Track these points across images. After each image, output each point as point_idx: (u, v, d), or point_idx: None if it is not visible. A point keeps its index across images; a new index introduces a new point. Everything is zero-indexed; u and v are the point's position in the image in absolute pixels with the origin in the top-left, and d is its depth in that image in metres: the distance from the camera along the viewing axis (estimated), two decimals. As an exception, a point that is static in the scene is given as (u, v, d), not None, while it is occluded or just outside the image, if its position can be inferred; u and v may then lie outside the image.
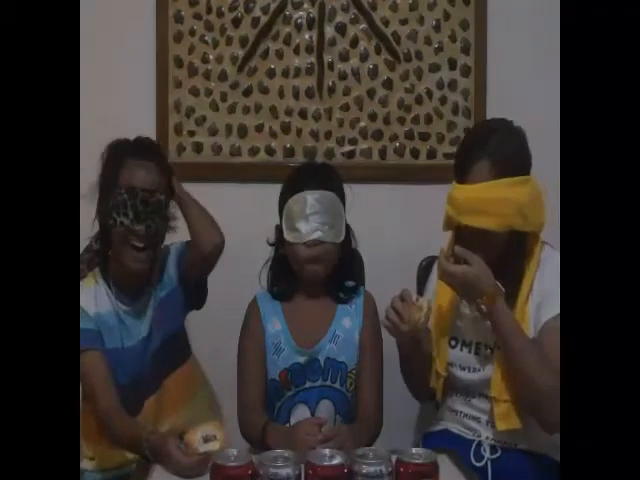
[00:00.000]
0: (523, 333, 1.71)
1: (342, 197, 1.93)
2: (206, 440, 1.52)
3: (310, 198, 1.86)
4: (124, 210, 1.77)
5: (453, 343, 1.85)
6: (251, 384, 1.91)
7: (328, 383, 1.92)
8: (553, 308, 1.69)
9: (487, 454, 1.77)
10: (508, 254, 1.76)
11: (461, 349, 1.84)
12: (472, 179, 1.71)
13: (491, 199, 1.70)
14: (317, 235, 1.86)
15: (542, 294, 1.74)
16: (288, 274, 1.96)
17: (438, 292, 1.87)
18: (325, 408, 1.91)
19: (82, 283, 1.83)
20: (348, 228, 1.95)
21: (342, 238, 1.90)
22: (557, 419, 1.64)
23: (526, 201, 1.71)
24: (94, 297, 1.85)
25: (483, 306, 1.72)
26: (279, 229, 1.92)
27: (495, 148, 1.72)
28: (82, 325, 1.75)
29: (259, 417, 1.84)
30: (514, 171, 1.71)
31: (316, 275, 1.91)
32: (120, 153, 1.84)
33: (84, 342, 1.74)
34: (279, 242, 1.95)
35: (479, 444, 1.79)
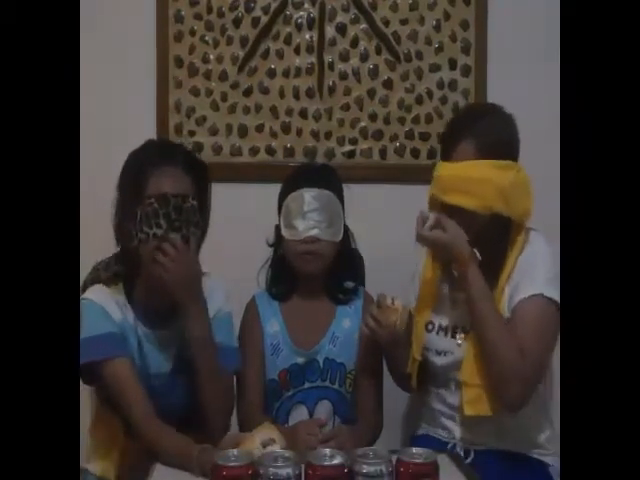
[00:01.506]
0: (494, 304, 1.70)
1: (341, 199, 1.92)
2: (265, 445, 1.48)
3: (308, 196, 1.86)
4: (156, 220, 1.62)
5: (430, 327, 1.84)
6: (250, 384, 1.91)
7: (327, 384, 1.92)
8: (528, 288, 1.70)
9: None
10: (490, 239, 1.75)
11: (437, 333, 1.83)
12: (456, 157, 1.71)
13: (472, 178, 1.69)
14: (314, 232, 1.85)
15: (521, 275, 1.74)
16: (287, 274, 1.95)
17: (422, 275, 1.86)
18: (324, 409, 1.91)
19: (105, 287, 1.74)
20: (347, 231, 1.95)
21: (340, 237, 1.89)
22: (518, 397, 1.66)
23: (507, 185, 1.70)
24: (120, 307, 1.73)
25: (455, 272, 1.71)
26: (278, 229, 1.92)
27: (483, 130, 1.72)
28: (109, 329, 1.70)
29: (259, 417, 1.84)
30: (500, 155, 1.71)
31: (312, 269, 1.90)
32: (140, 162, 1.71)
33: (111, 347, 1.69)
34: (278, 242, 1.95)
35: (453, 446, 1.79)
